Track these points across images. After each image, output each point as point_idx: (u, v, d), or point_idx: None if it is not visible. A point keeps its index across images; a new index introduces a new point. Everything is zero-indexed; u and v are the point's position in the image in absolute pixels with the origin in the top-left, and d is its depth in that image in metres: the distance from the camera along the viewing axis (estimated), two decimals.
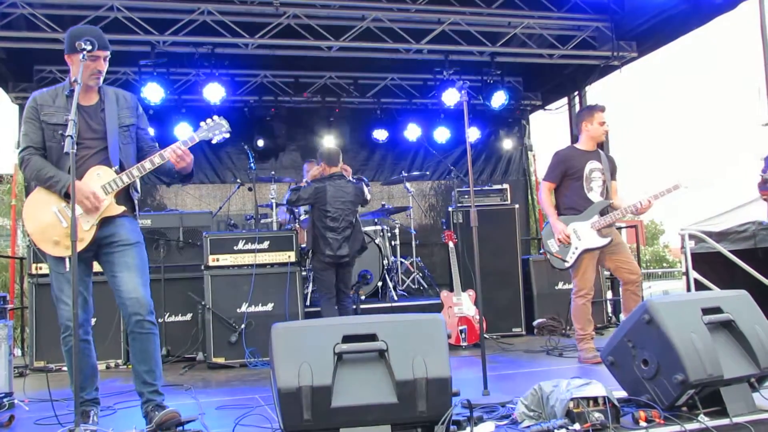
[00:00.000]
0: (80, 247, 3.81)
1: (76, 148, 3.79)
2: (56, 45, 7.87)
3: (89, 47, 3.76)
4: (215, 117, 4.23)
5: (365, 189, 7.08)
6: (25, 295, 8.17)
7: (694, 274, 7.72)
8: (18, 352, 8.19)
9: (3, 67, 8.99)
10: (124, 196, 4.06)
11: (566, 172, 6.10)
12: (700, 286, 7.63)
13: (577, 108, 10.69)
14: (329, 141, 10.68)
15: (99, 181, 3.94)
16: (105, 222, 3.96)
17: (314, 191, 6.83)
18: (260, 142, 10.53)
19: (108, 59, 4.02)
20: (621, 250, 6.06)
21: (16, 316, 8.69)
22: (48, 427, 3.95)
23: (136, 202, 4.18)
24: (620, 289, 6.18)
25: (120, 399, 4.99)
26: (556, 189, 6.18)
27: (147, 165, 3.99)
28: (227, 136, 4.26)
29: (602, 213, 5.97)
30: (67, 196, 3.78)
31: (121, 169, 3.99)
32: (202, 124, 4.20)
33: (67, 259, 3.78)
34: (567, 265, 5.99)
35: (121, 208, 4.01)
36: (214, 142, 4.26)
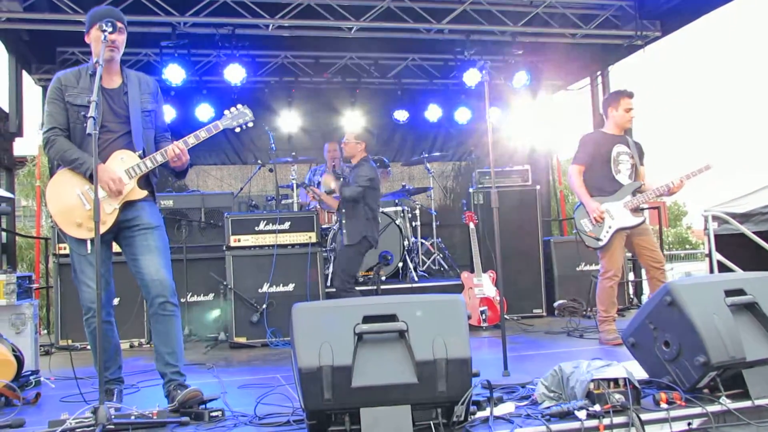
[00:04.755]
0: (102, 229, 3.84)
1: (100, 132, 3.83)
2: (78, 27, 7.84)
3: (110, 29, 3.78)
4: (239, 106, 4.25)
5: None
6: (49, 274, 8.29)
7: (717, 256, 7.66)
8: (43, 330, 8.32)
9: (26, 49, 9.05)
10: (144, 180, 4.08)
11: (594, 155, 6.06)
12: (723, 268, 7.57)
13: (600, 88, 10.59)
14: (350, 122, 10.66)
15: (123, 165, 3.97)
16: (127, 205, 3.99)
17: (377, 173, 6.84)
18: (281, 123, 10.55)
19: (123, 31, 4.01)
20: (646, 234, 6.03)
21: (42, 296, 8.82)
22: (73, 405, 4.01)
23: (154, 186, 4.21)
24: (646, 276, 6.13)
25: (143, 377, 5.07)
26: (585, 172, 6.14)
27: (158, 158, 4.02)
28: (251, 125, 4.28)
29: (634, 194, 5.95)
30: (91, 178, 3.82)
31: (144, 153, 4.02)
32: (226, 112, 4.22)
33: (89, 241, 3.82)
34: (601, 243, 5.95)
35: (144, 193, 4.04)
36: (237, 130, 4.28)
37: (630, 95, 6.15)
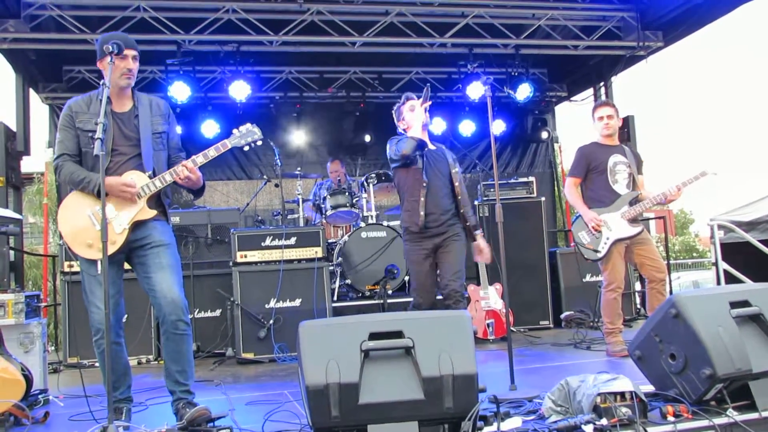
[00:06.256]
0: (113, 249, 3.89)
1: (111, 154, 3.89)
2: (84, 46, 8.00)
3: (115, 50, 3.83)
4: (248, 125, 4.26)
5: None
6: (57, 292, 8.32)
7: (723, 265, 7.63)
8: (51, 347, 8.34)
9: (33, 68, 9.13)
10: (155, 201, 4.11)
11: (590, 166, 6.09)
12: (730, 277, 7.54)
13: (603, 99, 10.61)
14: (355, 136, 10.70)
15: None
16: (137, 225, 4.02)
17: None
18: (286, 138, 10.59)
19: (137, 59, 4.09)
20: (648, 245, 6.03)
21: (49, 314, 8.85)
22: (82, 423, 4.03)
23: (166, 207, 4.24)
24: (646, 287, 6.14)
25: (151, 395, 5.08)
26: (582, 184, 6.16)
27: (168, 177, 4.05)
28: (259, 143, 4.29)
29: (631, 204, 5.96)
30: (100, 195, 3.85)
31: (154, 174, 4.05)
32: (234, 131, 4.25)
33: (99, 262, 3.84)
34: (600, 255, 5.95)
35: (153, 212, 4.06)
36: (246, 149, 4.30)
37: (602, 104, 6.28)
